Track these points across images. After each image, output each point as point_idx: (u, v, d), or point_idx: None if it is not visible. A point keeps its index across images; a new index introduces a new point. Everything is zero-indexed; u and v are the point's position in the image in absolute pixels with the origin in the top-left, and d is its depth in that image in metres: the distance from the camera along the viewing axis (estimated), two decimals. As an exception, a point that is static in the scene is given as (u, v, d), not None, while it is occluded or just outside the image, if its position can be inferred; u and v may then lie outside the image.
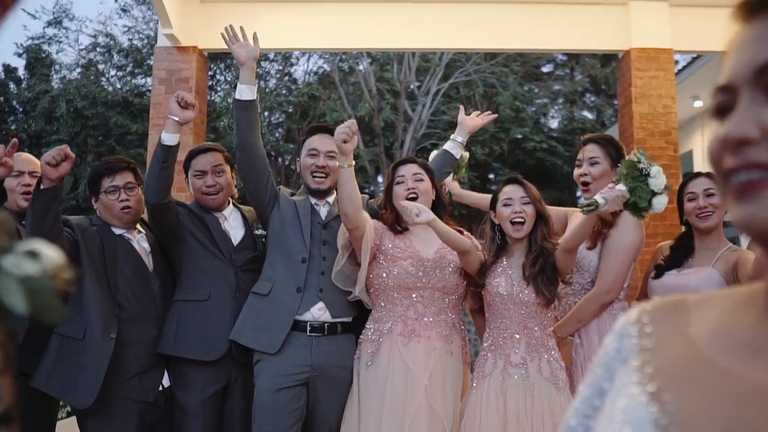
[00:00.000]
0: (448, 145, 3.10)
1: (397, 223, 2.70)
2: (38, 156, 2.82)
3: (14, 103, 16.93)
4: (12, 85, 17.03)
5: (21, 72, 17.06)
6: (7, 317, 0.48)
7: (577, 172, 2.83)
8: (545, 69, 17.36)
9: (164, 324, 2.69)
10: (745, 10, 0.54)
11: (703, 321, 0.59)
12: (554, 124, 17.26)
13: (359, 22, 6.42)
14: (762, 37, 0.53)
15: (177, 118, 2.63)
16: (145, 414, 2.62)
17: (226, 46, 2.84)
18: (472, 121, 3.13)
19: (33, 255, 0.51)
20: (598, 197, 2.32)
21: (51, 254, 0.51)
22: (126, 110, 15.55)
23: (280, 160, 16.79)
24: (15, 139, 2.46)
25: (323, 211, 2.82)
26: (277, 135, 16.86)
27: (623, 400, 0.58)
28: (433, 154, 3.21)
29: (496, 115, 3.37)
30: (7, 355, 0.47)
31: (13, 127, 16.39)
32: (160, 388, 2.67)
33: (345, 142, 2.42)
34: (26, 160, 2.81)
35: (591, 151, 2.80)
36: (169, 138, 2.62)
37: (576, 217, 2.68)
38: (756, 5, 0.53)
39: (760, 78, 0.52)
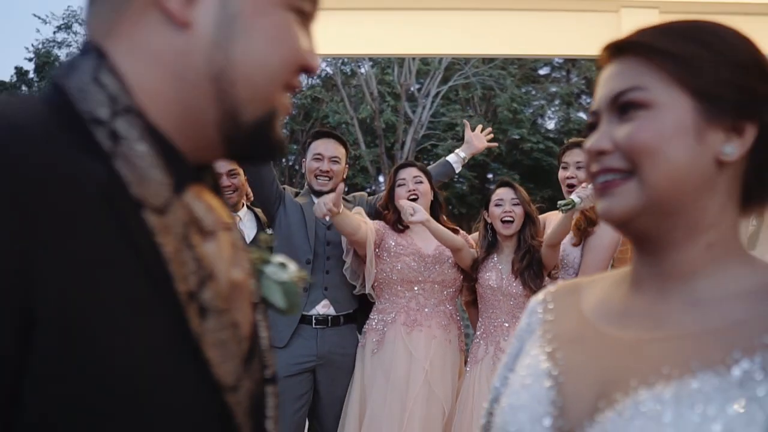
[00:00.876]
0: (451, 158, 3.26)
1: (398, 222, 2.87)
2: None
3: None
4: (24, 88, 17.20)
5: (32, 75, 17.24)
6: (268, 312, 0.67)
7: (563, 174, 2.99)
8: (542, 72, 17.49)
9: None
10: (608, 53, 0.71)
11: (590, 297, 0.75)
12: (551, 125, 17.41)
13: (362, 29, 6.56)
14: (617, 73, 0.69)
15: None
16: None
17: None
18: (479, 141, 3.29)
19: (283, 266, 0.68)
20: (573, 196, 2.49)
21: (293, 266, 0.70)
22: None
23: (283, 160, 16.95)
24: None
25: None
26: (281, 136, 17.02)
27: (527, 359, 0.74)
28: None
29: (495, 144, 3.53)
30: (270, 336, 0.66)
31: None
32: None
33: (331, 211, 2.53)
34: None
35: (578, 155, 2.96)
36: None
37: (553, 218, 2.87)
38: (616, 49, 0.70)
39: (614, 104, 0.68)
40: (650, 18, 6.30)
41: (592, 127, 0.71)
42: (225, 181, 3.00)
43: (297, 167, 16.51)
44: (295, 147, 16.69)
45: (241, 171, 3.07)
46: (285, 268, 0.67)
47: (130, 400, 0.47)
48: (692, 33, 0.67)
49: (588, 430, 0.62)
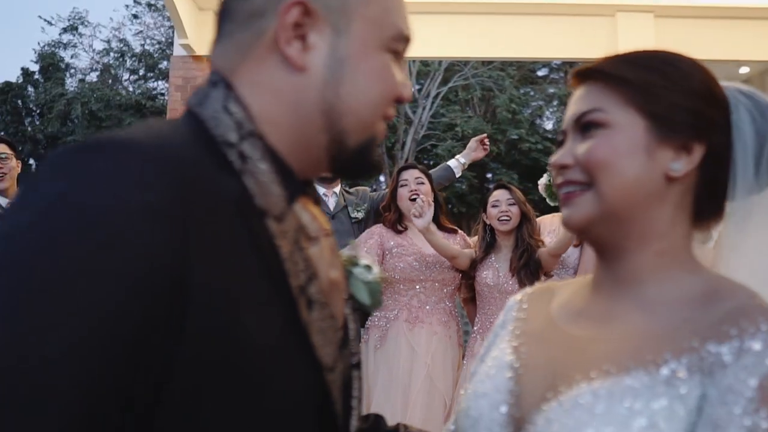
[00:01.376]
0: (452, 163, 3.36)
1: (398, 223, 2.94)
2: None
3: (31, 105, 17.15)
4: (30, 89, 17.23)
5: (38, 76, 17.27)
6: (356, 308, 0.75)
7: None
8: (540, 73, 17.54)
9: None
10: (576, 79, 0.77)
11: (560, 299, 0.80)
12: (549, 125, 17.46)
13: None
14: (581, 96, 0.75)
15: None
16: None
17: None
18: (479, 152, 3.42)
19: (369, 267, 0.77)
20: None
21: (377, 267, 0.79)
22: (139, 113, 15.77)
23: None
24: None
25: (331, 202, 3.06)
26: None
27: (496, 351, 0.79)
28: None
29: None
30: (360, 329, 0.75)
31: (29, 129, 16.62)
32: None
33: None
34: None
35: None
36: None
37: (547, 222, 2.96)
38: (583, 76, 0.76)
39: (577, 124, 0.74)
40: (645, 22, 6.33)
41: (561, 144, 0.77)
42: None
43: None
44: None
45: None
46: (370, 270, 0.77)
47: (254, 374, 0.56)
48: (650, 62, 0.73)
49: (534, 418, 0.66)
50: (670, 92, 0.71)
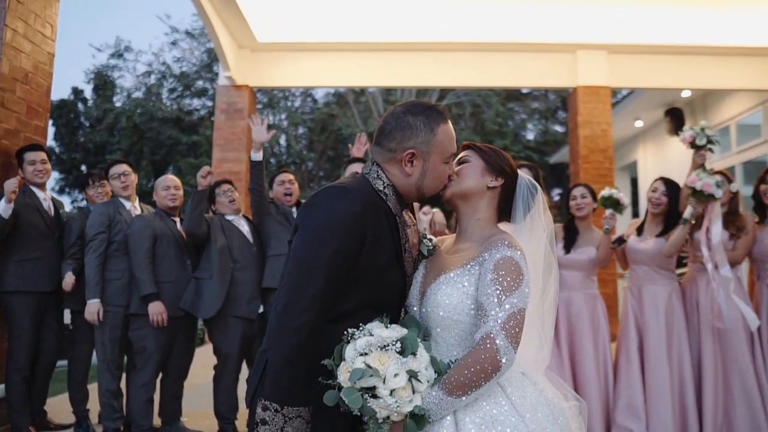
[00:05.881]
0: None
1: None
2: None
3: (82, 119, 17.70)
4: (80, 105, 17.74)
5: (88, 94, 17.81)
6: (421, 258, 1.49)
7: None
8: (524, 90, 18.08)
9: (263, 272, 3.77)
10: (463, 147, 1.50)
11: (446, 242, 1.52)
12: (531, 136, 17.91)
13: (371, 65, 7.33)
14: (463, 154, 1.48)
15: (260, 140, 3.67)
16: (246, 329, 3.68)
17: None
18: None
19: (430, 240, 1.50)
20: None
21: (434, 240, 1.52)
22: (177, 125, 16.29)
23: (303, 167, 17.59)
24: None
25: None
26: (300, 145, 17.70)
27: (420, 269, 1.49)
28: None
29: None
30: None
31: (81, 140, 17.22)
32: (260, 311, 3.73)
33: None
34: (172, 178, 3.84)
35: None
36: (256, 156, 3.69)
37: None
38: (466, 146, 1.50)
39: (458, 162, 1.47)
40: (600, 57, 7.20)
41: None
42: (287, 186, 3.88)
43: (314, 172, 17.23)
44: (312, 155, 17.35)
45: (295, 181, 3.93)
46: (431, 241, 1.50)
47: (381, 275, 1.29)
48: (495, 149, 1.47)
49: (427, 290, 1.38)
50: (495, 158, 1.45)
